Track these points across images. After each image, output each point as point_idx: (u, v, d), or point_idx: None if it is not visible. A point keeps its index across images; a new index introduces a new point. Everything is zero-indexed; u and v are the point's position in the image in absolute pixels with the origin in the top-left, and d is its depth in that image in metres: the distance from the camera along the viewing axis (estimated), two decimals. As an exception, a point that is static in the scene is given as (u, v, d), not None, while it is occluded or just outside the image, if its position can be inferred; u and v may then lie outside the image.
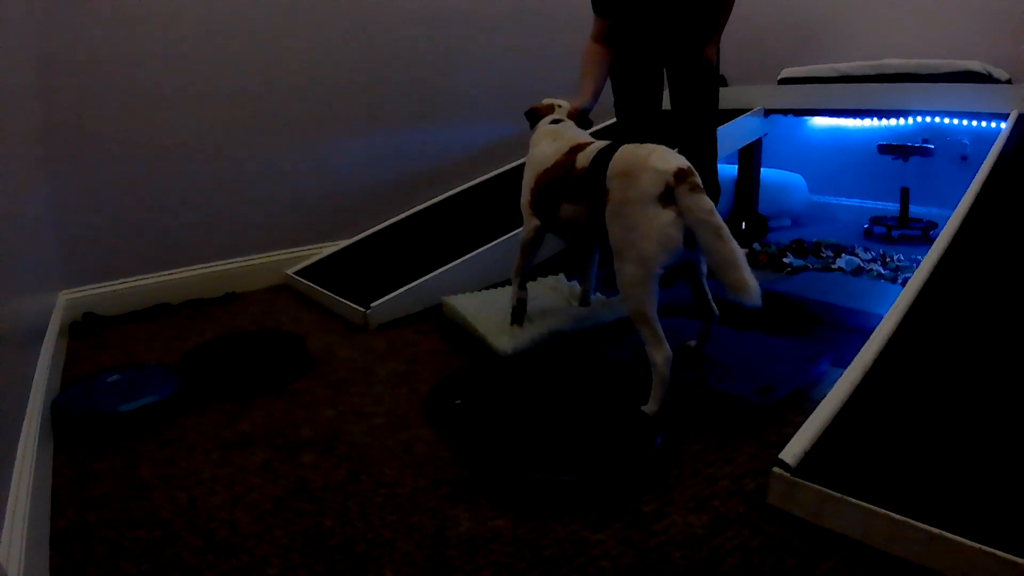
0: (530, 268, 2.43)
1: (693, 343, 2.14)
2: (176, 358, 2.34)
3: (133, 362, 2.36)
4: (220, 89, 3.08)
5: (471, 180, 3.87)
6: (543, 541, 1.40)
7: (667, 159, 1.85)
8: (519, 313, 2.41)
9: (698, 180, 1.82)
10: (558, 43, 4.02)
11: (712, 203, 1.79)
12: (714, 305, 2.09)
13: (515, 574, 1.31)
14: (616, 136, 2.82)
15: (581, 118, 2.55)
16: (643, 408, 1.84)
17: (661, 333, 1.84)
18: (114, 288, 2.92)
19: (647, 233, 1.81)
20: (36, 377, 2.01)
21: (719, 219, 1.76)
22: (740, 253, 1.75)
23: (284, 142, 3.33)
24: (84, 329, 2.74)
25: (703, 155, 2.90)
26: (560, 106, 2.53)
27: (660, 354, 1.83)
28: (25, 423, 1.70)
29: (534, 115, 2.55)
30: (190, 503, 1.57)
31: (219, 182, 3.15)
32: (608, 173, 1.95)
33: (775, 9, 4.61)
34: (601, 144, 2.13)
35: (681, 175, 1.80)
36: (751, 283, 1.72)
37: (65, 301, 2.78)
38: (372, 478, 1.66)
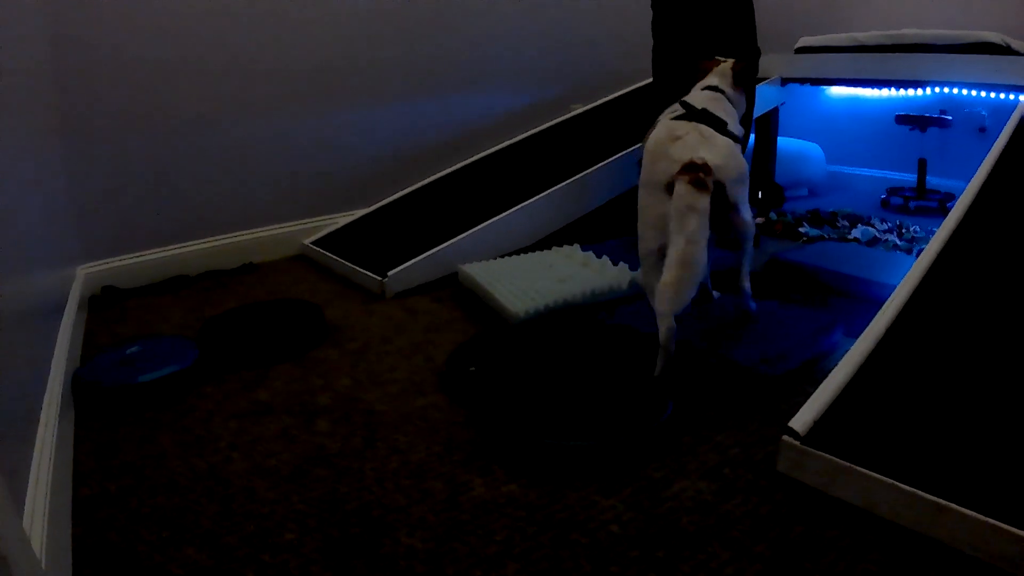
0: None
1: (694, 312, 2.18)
2: (195, 329, 2.37)
3: (152, 333, 2.40)
4: (235, 61, 3.08)
5: (487, 149, 3.85)
6: (554, 506, 1.43)
7: (689, 147, 1.84)
8: None
9: (706, 178, 1.78)
10: (580, 10, 3.99)
11: (697, 202, 1.75)
12: (711, 290, 2.21)
13: (526, 538, 1.33)
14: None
15: (745, 74, 2.22)
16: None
17: None
18: (132, 261, 2.95)
19: (648, 217, 1.90)
20: (57, 350, 2.04)
21: (692, 222, 1.74)
22: (689, 261, 1.73)
23: (299, 113, 3.33)
24: (103, 302, 2.78)
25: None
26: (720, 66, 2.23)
27: (661, 324, 1.85)
28: (47, 395, 1.74)
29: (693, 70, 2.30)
30: (209, 471, 1.60)
31: (235, 154, 3.16)
32: (645, 146, 1.99)
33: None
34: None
35: (689, 168, 1.79)
36: (668, 294, 1.73)
37: (84, 275, 2.81)
38: (387, 444, 1.68)
